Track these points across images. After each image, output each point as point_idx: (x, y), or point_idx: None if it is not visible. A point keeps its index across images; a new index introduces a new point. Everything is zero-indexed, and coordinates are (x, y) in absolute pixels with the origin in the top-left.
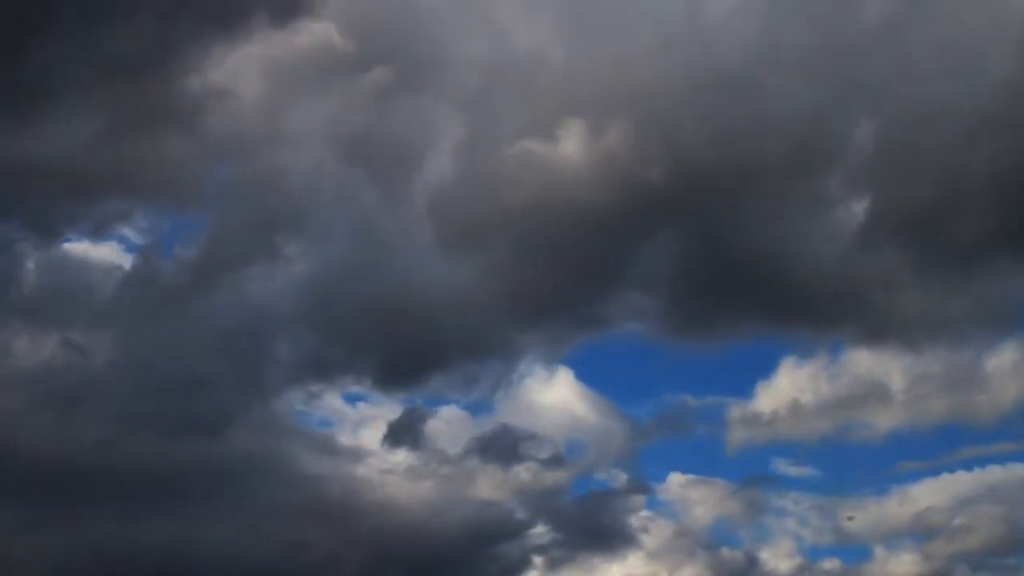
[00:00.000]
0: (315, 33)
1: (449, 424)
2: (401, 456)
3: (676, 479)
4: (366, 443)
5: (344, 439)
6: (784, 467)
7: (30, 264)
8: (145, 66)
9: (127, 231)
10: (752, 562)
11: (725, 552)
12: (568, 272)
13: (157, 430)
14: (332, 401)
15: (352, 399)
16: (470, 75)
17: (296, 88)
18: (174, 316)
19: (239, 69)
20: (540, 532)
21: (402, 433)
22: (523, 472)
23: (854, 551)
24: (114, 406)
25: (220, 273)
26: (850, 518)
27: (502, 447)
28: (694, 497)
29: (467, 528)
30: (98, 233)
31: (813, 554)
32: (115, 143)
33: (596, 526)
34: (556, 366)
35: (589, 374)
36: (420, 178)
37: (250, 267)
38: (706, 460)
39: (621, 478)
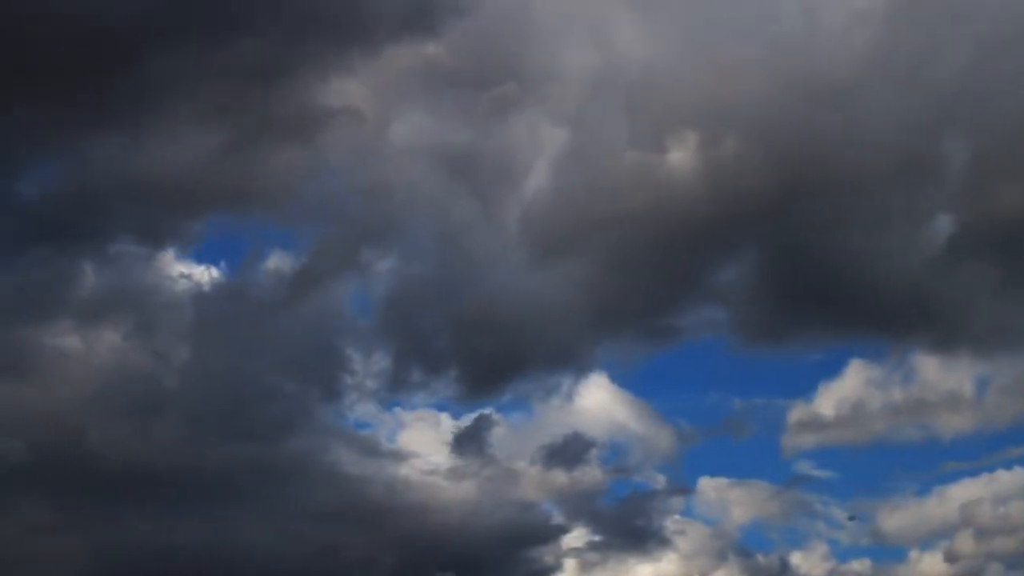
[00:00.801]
0: (431, 49)
1: (511, 431)
2: (443, 457)
3: (718, 482)
4: (418, 446)
5: (398, 444)
6: (828, 470)
7: (128, 274)
8: (266, 79)
9: (227, 243)
10: (785, 565)
11: (759, 554)
12: (650, 283)
13: (220, 436)
14: (397, 409)
15: (416, 406)
16: (577, 87)
17: (410, 103)
18: (259, 326)
19: (358, 84)
20: (576, 535)
21: (468, 440)
22: (565, 475)
23: (888, 552)
24: (184, 413)
25: (310, 286)
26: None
27: (556, 452)
28: (733, 499)
29: (503, 529)
30: (198, 245)
31: (845, 555)
32: (230, 156)
33: (632, 528)
34: (613, 374)
35: (644, 380)
36: (517, 191)
37: (339, 280)
38: (754, 463)
39: (660, 480)
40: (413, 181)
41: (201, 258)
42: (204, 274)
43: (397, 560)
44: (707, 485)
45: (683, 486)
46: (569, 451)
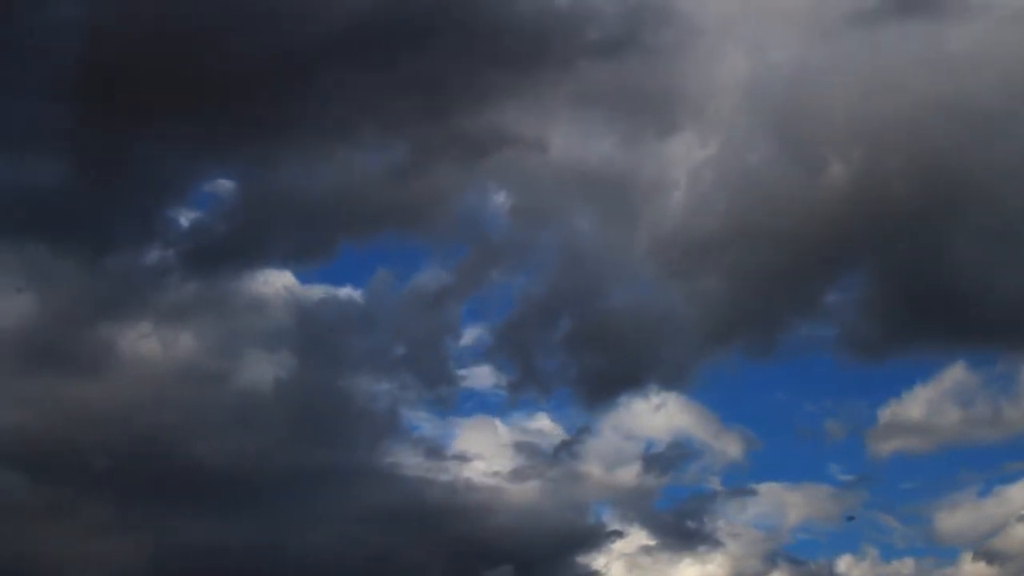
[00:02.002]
0: (598, 73)
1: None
2: (508, 457)
3: (780, 486)
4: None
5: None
6: (899, 473)
7: (269, 293)
8: (438, 100)
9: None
10: (833, 570)
11: (809, 559)
12: (764, 300)
13: (292, 441)
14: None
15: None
16: (728, 106)
17: (572, 125)
18: (362, 341)
19: (528, 106)
20: (629, 539)
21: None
22: (627, 475)
23: (941, 552)
24: (278, 420)
25: (434, 302)
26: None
27: (624, 457)
28: (791, 502)
29: (558, 532)
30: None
31: (892, 555)
32: (394, 175)
33: (684, 530)
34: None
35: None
36: (655, 210)
37: (467, 296)
38: (822, 467)
39: (719, 484)
40: (558, 202)
41: (335, 273)
42: (317, 289)
43: (450, 563)
44: (768, 489)
45: (742, 489)
46: (637, 456)
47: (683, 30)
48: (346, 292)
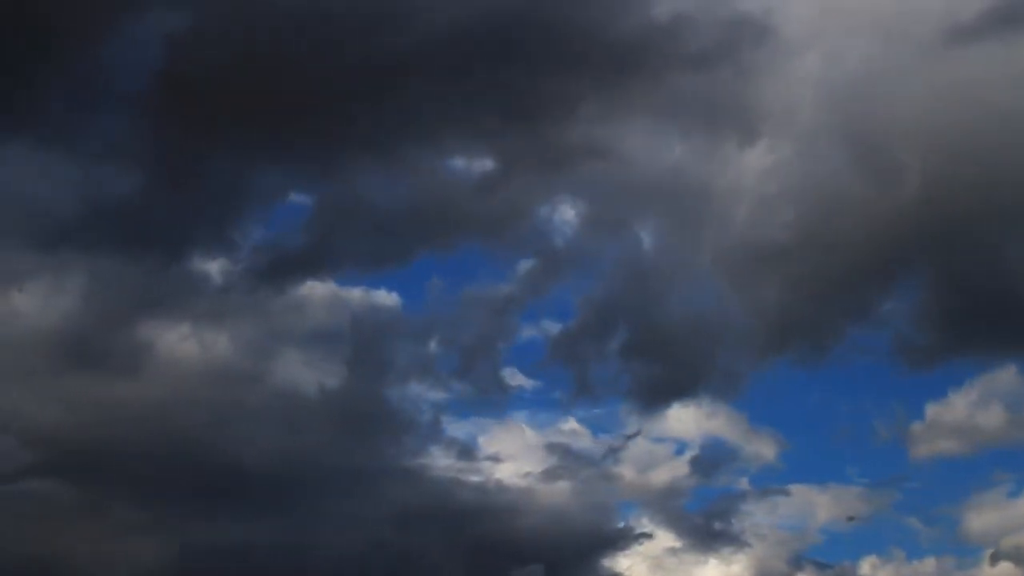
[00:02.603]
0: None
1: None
2: (540, 459)
3: (812, 487)
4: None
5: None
6: (932, 473)
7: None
8: (529, 111)
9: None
10: (857, 569)
11: (834, 558)
12: (820, 307)
13: (341, 443)
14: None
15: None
16: (800, 110)
17: (645, 135)
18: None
19: (611, 120)
20: (656, 540)
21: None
22: (659, 478)
23: (966, 551)
24: (317, 423)
25: (494, 310)
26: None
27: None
28: (821, 503)
29: (585, 533)
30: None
31: (917, 555)
32: (480, 187)
33: (710, 531)
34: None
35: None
36: (717, 215)
37: (526, 304)
38: (860, 468)
39: (748, 485)
40: (628, 212)
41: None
42: (373, 295)
43: (478, 563)
44: (799, 490)
45: (772, 490)
46: (669, 457)
47: (766, 41)
48: (400, 299)
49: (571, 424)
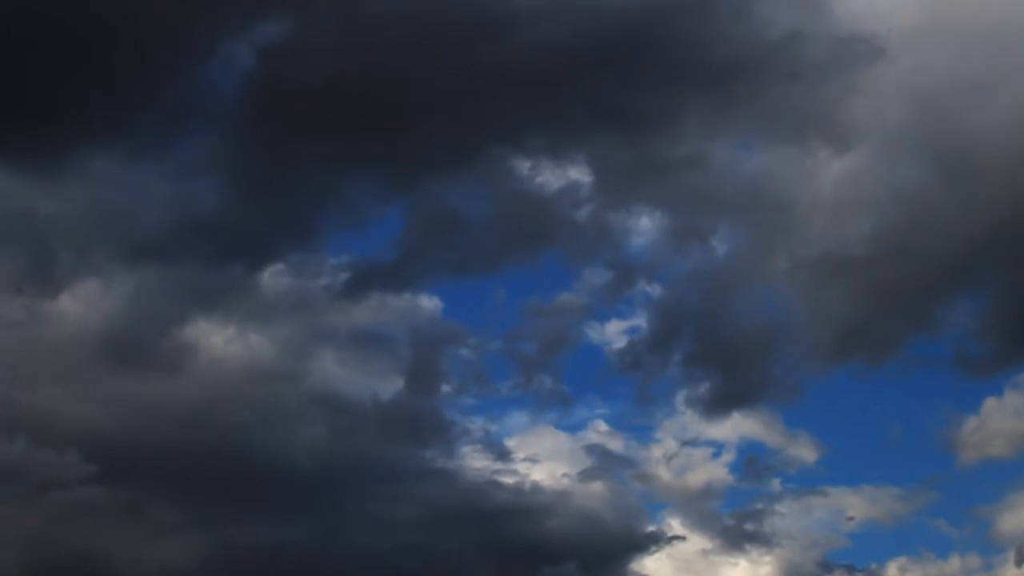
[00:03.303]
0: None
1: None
2: (576, 461)
3: (849, 489)
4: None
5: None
6: (973, 475)
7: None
8: (626, 125)
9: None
10: (885, 570)
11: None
12: (886, 316)
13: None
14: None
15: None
16: (886, 120)
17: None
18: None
19: (699, 130)
20: (688, 542)
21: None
22: (695, 480)
23: (991, 551)
24: (365, 429)
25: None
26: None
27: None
28: (855, 505)
29: (616, 535)
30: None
31: (945, 556)
32: (568, 199)
33: (741, 532)
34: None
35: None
36: (796, 225)
37: (596, 313)
38: (901, 470)
39: (781, 487)
40: (708, 222)
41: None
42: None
43: (509, 562)
44: (836, 492)
45: (808, 492)
46: (706, 460)
47: (860, 54)
48: (466, 307)
49: (614, 428)
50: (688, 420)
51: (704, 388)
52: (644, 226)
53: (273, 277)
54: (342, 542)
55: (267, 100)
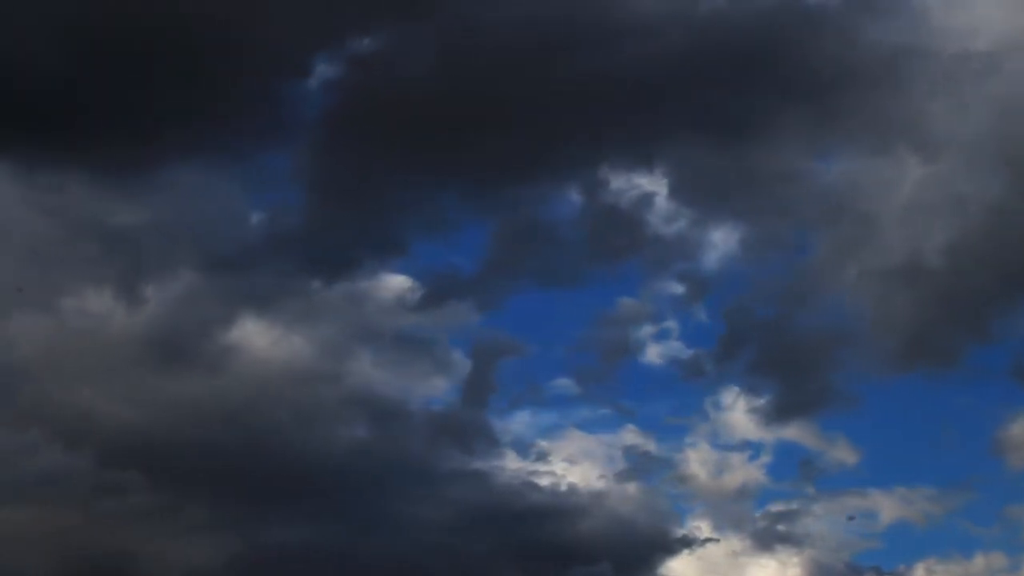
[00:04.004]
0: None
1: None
2: (610, 463)
3: (885, 490)
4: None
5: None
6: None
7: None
8: (732, 135)
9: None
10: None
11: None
12: (948, 325)
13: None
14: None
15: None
16: (969, 129)
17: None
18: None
19: (793, 142)
20: (720, 543)
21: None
22: (730, 482)
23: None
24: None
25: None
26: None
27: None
28: (887, 506)
29: (649, 537)
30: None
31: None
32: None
33: (771, 532)
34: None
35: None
36: (871, 232)
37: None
38: (940, 472)
39: (815, 488)
40: (786, 232)
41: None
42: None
43: (537, 563)
44: (873, 494)
45: (845, 493)
46: (742, 462)
47: (956, 64)
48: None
49: (652, 430)
50: (729, 423)
51: (762, 396)
52: (723, 236)
53: (345, 286)
54: (371, 544)
55: (354, 112)
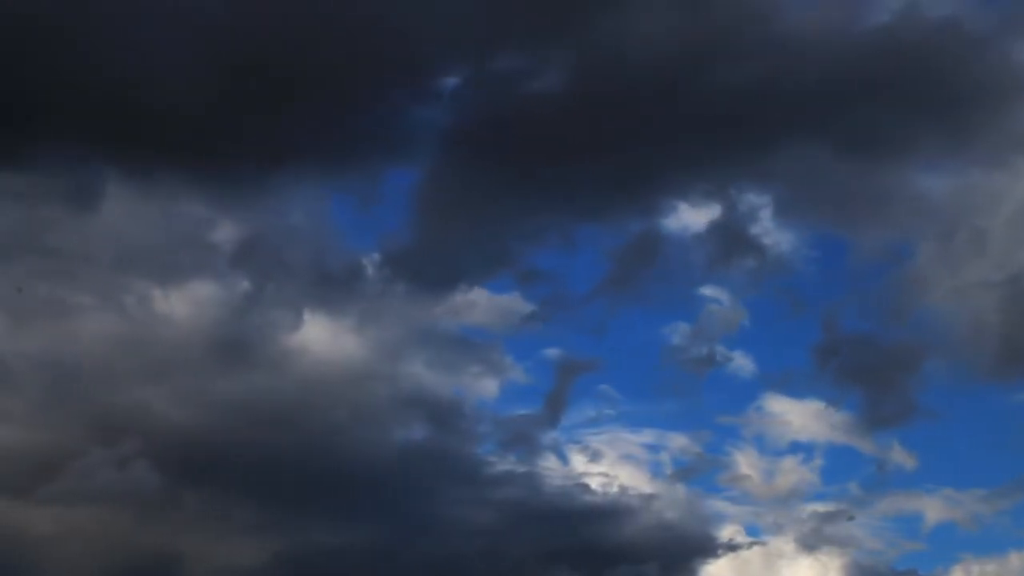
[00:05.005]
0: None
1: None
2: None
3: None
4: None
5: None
6: None
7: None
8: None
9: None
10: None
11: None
12: None
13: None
14: None
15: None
16: None
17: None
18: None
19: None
20: (767, 544)
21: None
22: (781, 483)
23: None
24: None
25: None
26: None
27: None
28: (933, 506)
29: (698, 535)
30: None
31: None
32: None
33: (820, 536)
34: None
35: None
36: (979, 242)
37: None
38: (994, 475)
39: (862, 490)
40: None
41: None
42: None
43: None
44: (919, 495)
45: (892, 495)
46: (795, 465)
47: None
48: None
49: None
50: (780, 426)
51: (843, 404)
52: (828, 248)
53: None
54: (414, 545)
55: (480, 129)
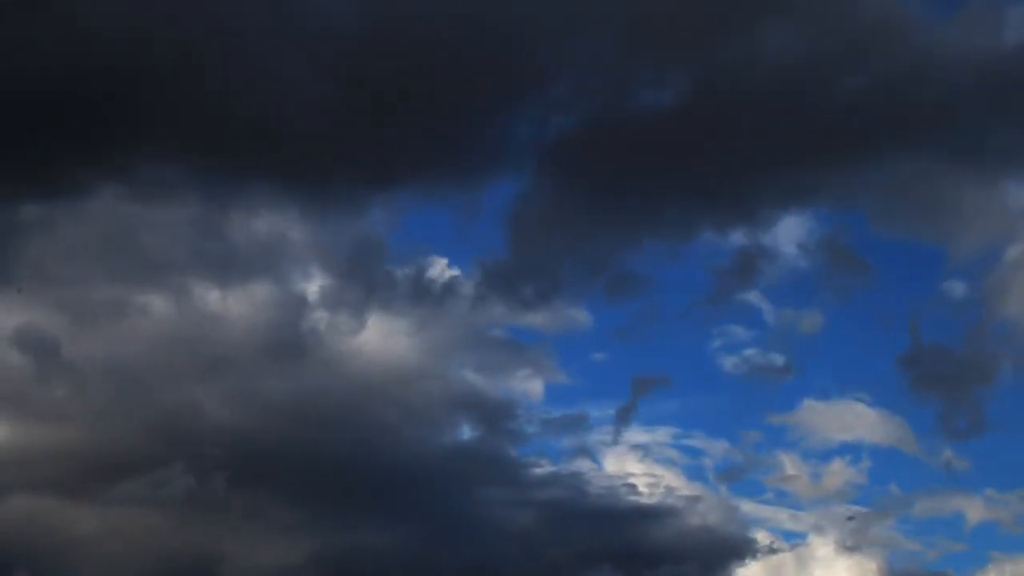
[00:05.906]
0: None
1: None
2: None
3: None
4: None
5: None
6: None
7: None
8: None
9: None
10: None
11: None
12: None
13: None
14: None
15: None
16: None
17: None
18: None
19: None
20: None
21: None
22: (827, 485)
23: None
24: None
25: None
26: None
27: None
28: (972, 507)
29: (741, 536)
30: None
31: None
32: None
33: (858, 535)
34: None
35: None
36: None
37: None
38: None
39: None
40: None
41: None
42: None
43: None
44: (961, 497)
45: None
46: (843, 468)
47: None
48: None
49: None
50: (826, 429)
51: (917, 411)
52: (924, 257)
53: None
54: (454, 545)
55: (584, 141)
